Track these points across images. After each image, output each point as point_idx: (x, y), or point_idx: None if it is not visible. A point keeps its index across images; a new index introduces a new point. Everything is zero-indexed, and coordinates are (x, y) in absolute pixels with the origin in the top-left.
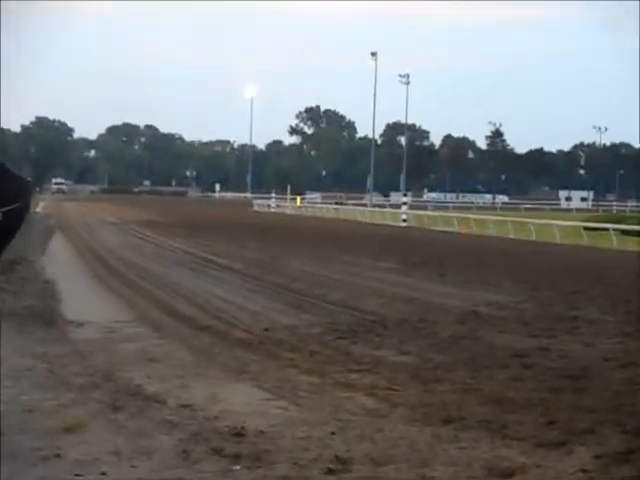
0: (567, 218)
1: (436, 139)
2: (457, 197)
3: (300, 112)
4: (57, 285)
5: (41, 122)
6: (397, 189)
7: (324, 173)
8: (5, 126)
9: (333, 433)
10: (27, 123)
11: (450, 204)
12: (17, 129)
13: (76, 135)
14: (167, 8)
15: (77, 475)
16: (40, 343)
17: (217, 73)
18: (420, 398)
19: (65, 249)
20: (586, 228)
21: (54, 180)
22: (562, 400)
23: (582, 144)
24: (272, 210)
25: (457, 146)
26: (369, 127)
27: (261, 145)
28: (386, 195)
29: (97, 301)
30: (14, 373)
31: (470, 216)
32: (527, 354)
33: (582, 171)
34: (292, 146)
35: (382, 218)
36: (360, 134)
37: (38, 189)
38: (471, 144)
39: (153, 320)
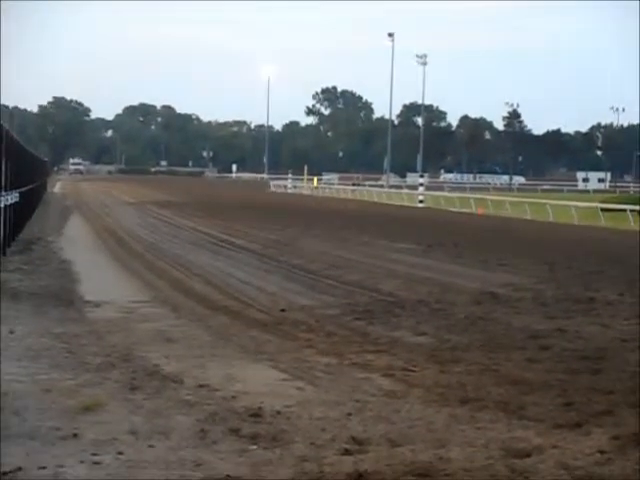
0: (584, 199)
1: (453, 120)
2: (474, 178)
3: (317, 93)
4: (74, 265)
5: (58, 102)
6: (414, 170)
7: (341, 154)
8: (23, 106)
9: (350, 414)
10: (45, 103)
11: (467, 185)
12: (35, 109)
13: (93, 115)
14: None
15: (94, 455)
16: (58, 323)
17: (234, 53)
18: (437, 379)
19: (82, 229)
20: (603, 209)
21: (71, 160)
22: (579, 381)
23: (599, 125)
24: (289, 191)
25: (474, 127)
26: (386, 108)
27: (278, 126)
28: (403, 176)
29: (114, 281)
30: (32, 353)
31: (487, 197)
32: (544, 335)
33: (599, 152)
34: (309, 127)
35: (399, 199)
36: (377, 115)
37: (56, 169)
38: (488, 125)
39: (170, 300)
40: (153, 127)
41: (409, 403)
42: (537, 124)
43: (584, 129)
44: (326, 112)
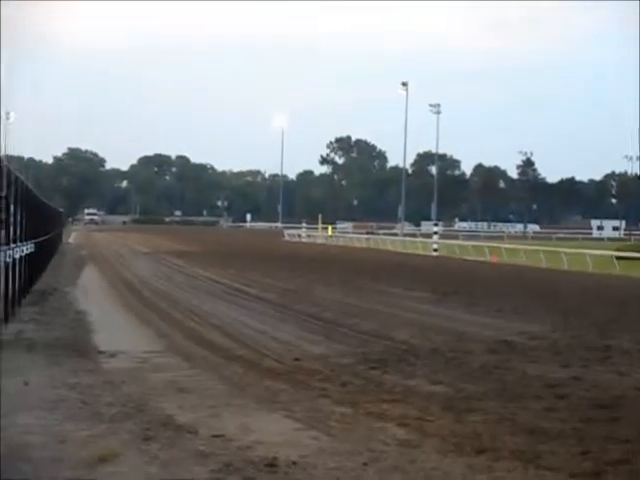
0: (599, 247)
1: (467, 168)
2: (488, 226)
3: (331, 142)
4: (89, 316)
5: (73, 153)
6: (428, 218)
7: (355, 202)
8: (38, 158)
9: (365, 464)
10: (59, 154)
11: (481, 233)
12: (50, 160)
13: (108, 166)
14: (199, 39)
15: None
16: (72, 374)
17: (248, 103)
18: (453, 428)
19: (97, 280)
20: (618, 257)
21: (86, 211)
22: (596, 430)
23: (613, 173)
24: (303, 240)
25: (488, 175)
26: (400, 157)
27: (292, 175)
28: (417, 224)
29: (128, 331)
30: (47, 404)
31: (501, 245)
32: (560, 384)
33: (614, 200)
34: (323, 176)
35: (413, 247)
36: (391, 164)
37: (71, 220)
38: (502, 173)
39: (184, 350)
40: (168, 177)
41: (425, 453)
42: (551, 172)
43: (598, 177)
44: (340, 161)
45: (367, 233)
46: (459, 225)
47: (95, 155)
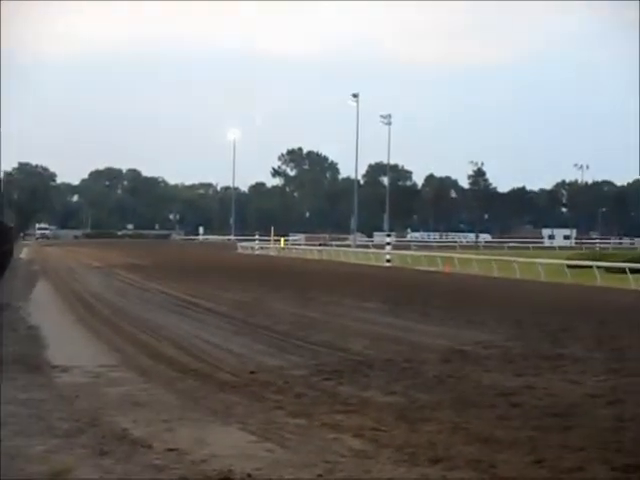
0: (550, 256)
1: (419, 179)
2: (440, 236)
3: (282, 154)
4: (42, 330)
5: (23, 168)
6: (380, 229)
7: (307, 214)
8: None
9: (320, 475)
10: (9, 169)
11: (433, 243)
12: None
13: (59, 180)
14: (149, 52)
15: None
16: (25, 389)
17: (199, 116)
18: (407, 438)
19: (49, 294)
20: (569, 266)
21: (38, 225)
22: (549, 438)
23: (564, 182)
24: (256, 252)
25: (440, 186)
26: (352, 168)
27: (244, 187)
28: (370, 235)
29: (82, 346)
30: None
31: (454, 255)
32: (514, 392)
33: (564, 209)
34: (275, 188)
35: (366, 258)
36: (343, 175)
37: (22, 235)
38: (453, 183)
39: (138, 364)
40: (119, 191)
41: (380, 463)
42: (502, 182)
43: (549, 186)
44: (292, 173)
45: (320, 245)
46: (411, 235)
47: (45, 169)
